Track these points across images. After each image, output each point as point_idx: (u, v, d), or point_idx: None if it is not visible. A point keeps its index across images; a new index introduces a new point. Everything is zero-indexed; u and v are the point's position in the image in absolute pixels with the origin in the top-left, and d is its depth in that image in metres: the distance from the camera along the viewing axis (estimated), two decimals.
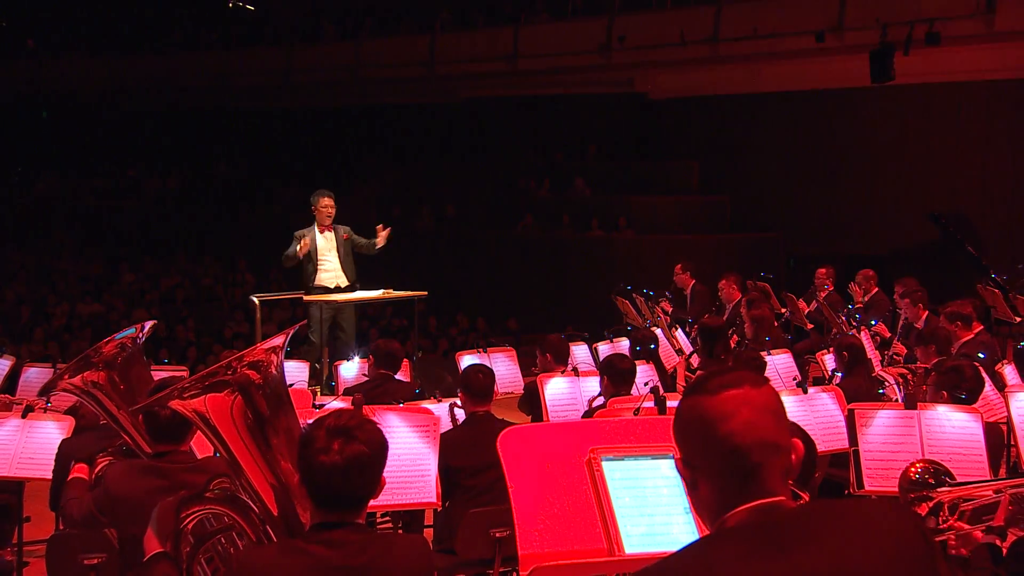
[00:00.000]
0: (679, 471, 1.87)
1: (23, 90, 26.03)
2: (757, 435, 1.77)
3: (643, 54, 18.14)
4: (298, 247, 9.46)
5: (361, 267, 10.08)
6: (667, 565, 1.76)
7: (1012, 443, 5.49)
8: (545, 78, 19.70)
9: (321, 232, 9.64)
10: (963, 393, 5.26)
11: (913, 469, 3.38)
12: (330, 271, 9.69)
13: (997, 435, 5.41)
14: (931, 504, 3.25)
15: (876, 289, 10.48)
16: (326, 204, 9.65)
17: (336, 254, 9.68)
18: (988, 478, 4.47)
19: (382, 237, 9.74)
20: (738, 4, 17.12)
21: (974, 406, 5.04)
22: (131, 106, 26.24)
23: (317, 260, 9.64)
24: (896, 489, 3.41)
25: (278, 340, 2.75)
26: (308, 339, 9.67)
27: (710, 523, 1.83)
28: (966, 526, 3.29)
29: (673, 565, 1.75)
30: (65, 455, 4.78)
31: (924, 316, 8.77)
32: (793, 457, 1.81)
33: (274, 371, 2.71)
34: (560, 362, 6.85)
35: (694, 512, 2.60)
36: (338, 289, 9.68)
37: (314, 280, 9.64)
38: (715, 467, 1.78)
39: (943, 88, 15.62)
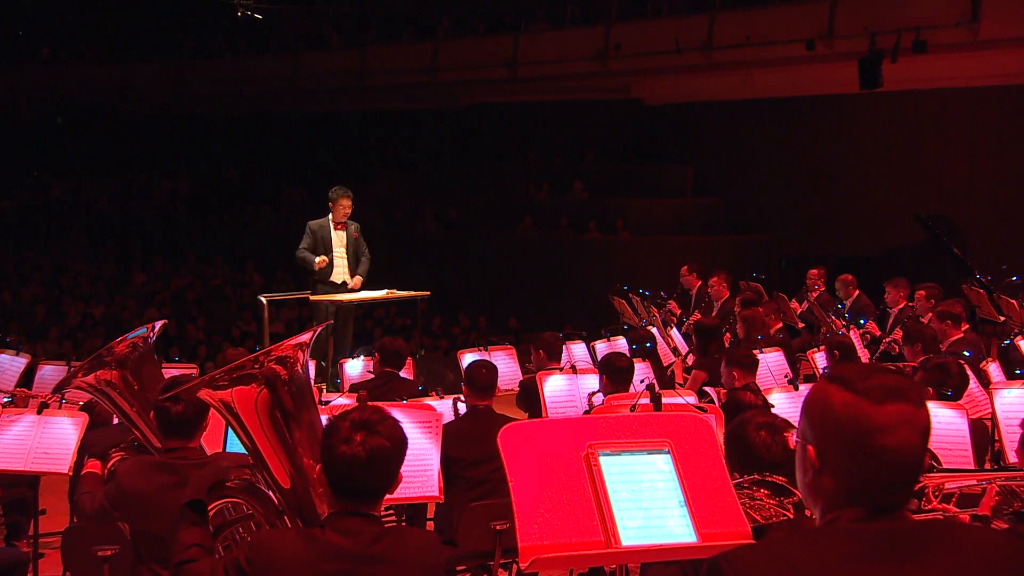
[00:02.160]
0: (805, 454, 1.83)
1: (38, 97, 26.05)
2: (909, 455, 1.77)
3: (639, 61, 18.12)
4: (317, 260, 9.58)
5: None
6: (775, 549, 1.77)
7: (996, 438, 5.51)
8: (544, 84, 19.72)
9: (336, 229, 9.75)
10: (949, 390, 5.34)
11: None
12: (339, 267, 9.78)
13: (981, 431, 5.44)
14: (916, 487, 3.36)
15: (857, 292, 10.45)
16: (345, 204, 9.74)
17: (345, 251, 9.78)
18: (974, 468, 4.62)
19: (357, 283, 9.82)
20: (731, 13, 17.14)
21: (959, 402, 5.14)
22: (143, 112, 26.22)
23: (332, 256, 9.73)
24: None
25: (305, 336, 2.83)
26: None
27: (819, 512, 1.82)
28: (953, 508, 3.35)
29: (780, 549, 1.76)
30: (88, 447, 4.83)
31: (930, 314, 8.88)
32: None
33: (299, 368, 2.78)
34: (553, 358, 6.82)
35: (689, 506, 2.67)
36: (344, 285, 9.78)
37: (329, 275, 9.72)
38: (855, 470, 1.77)
39: (930, 95, 15.67)
